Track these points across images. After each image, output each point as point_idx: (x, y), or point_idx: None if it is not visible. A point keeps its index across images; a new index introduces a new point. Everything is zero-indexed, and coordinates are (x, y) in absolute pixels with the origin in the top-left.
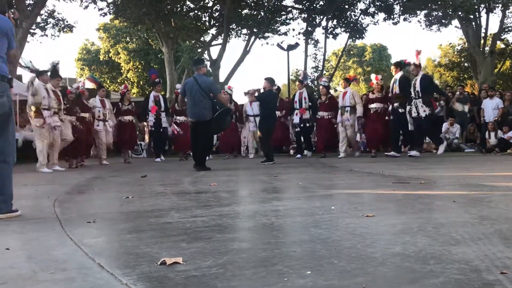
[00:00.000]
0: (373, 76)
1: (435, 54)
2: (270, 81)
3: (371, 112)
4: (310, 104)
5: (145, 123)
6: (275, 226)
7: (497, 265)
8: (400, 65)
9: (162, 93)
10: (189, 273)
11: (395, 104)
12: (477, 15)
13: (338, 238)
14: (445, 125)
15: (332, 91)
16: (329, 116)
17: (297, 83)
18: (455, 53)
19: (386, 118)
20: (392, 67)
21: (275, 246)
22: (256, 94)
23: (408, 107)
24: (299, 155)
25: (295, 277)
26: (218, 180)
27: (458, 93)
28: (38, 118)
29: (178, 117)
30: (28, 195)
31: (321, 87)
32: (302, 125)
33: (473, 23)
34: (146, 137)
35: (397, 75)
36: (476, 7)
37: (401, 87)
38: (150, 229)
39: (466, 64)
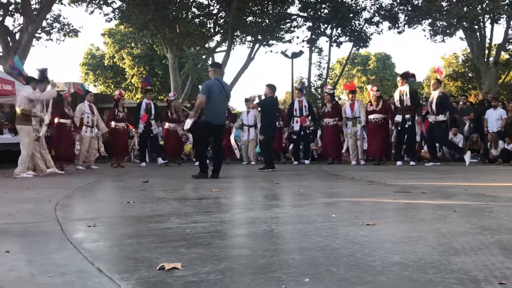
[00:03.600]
0: (369, 87)
1: (439, 64)
2: (272, 87)
3: (370, 122)
4: (307, 113)
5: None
6: (275, 233)
7: (496, 276)
8: (408, 76)
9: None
10: (188, 278)
11: (407, 116)
12: (482, 26)
13: (337, 246)
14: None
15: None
16: (334, 123)
17: (296, 91)
18: (459, 63)
19: (391, 127)
20: (399, 79)
21: (274, 253)
22: (257, 100)
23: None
24: (296, 162)
25: (293, 284)
26: (220, 187)
27: (461, 103)
28: (26, 125)
29: (169, 124)
30: (29, 199)
31: (325, 94)
32: (302, 133)
33: (478, 34)
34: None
35: (405, 87)
36: (481, 17)
37: (412, 100)
38: (150, 234)
39: (470, 75)
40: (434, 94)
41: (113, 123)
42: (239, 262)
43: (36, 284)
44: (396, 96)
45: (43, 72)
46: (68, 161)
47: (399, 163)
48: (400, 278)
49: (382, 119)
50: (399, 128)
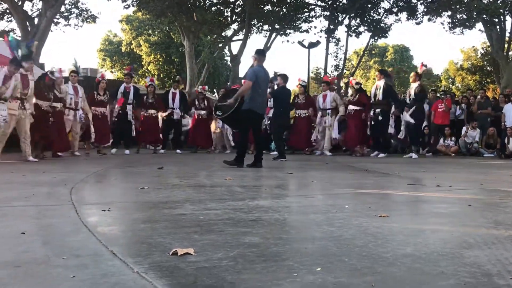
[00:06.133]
0: (350, 78)
1: (458, 57)
2: (284, 77)
3: (348, 113)
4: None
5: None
6: (288, 222)
7: (509, 270)
8: (385, 73)
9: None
10: (200, 264)
11: (377, 110)
12: (502, 19)
13: (350, 236)
14: (464, 129)
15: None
16: (306, 115)
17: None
18: (478, 56)
19: (364, 119)
20: (377, 73)
21: (287, 241)
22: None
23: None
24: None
25: (304, 273)
26: (233, 175)
27: (479, 97)
28: None
29: (149, 111)
30: (45, 182)
31: (298, 86)
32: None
33: (498, 27)
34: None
35: (381, 82)
36: (501, 10)
37: (384, 95)
38: (163, 220)
39: (488, 68)
40: (412, 86)
41: (92, 108)
42: (251, 250)
43: (51, 266)
44: (372, 91)
45: (29, 47)
46: (59, 149)
47: (377, 154)
48: (412, 270)
49: (356, 110)
50: (372, 122)
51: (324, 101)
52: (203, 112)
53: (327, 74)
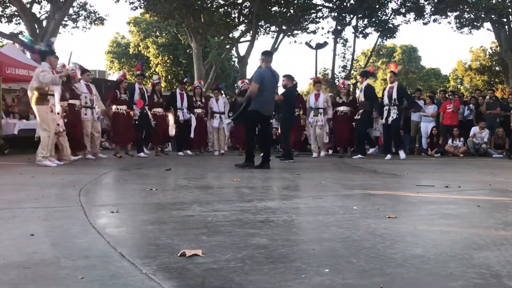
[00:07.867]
0: (340, 80)
1: (467, 58)
2: (291, 78)
3: (338, 114)
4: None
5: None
6: (296, 224)
7: None
8: (367, 74)
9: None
10: (208, 265)
11: (360, 111)
12: (510, 18)
13: (358, 238)
14: (473, 129)
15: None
16: (296, 114)
17: None
18: (487, 56)
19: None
20: (359, 77)
21: (294, 243)
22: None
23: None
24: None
25: (312, 274)
26: (241, 176)
27: (488, 97)
28: (43, 105)
29: (155, 110)
30: (54, 184)
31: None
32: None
33: (506, 27)
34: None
35: (363, 84)
36: (510, 10)
37: (365, 95)
38: (171, 221)
39: (497, 68)
40: (394, 85)
41: (114, 107)
42: (259, 251)
43: (60, 267)
44: (357, 93)
45: (50, 46)
46: (78, 149)
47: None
48: (421, 271)
49: (350, 112)
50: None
51: (317, 100)
52: (199, 110)
53: (335, 76)
